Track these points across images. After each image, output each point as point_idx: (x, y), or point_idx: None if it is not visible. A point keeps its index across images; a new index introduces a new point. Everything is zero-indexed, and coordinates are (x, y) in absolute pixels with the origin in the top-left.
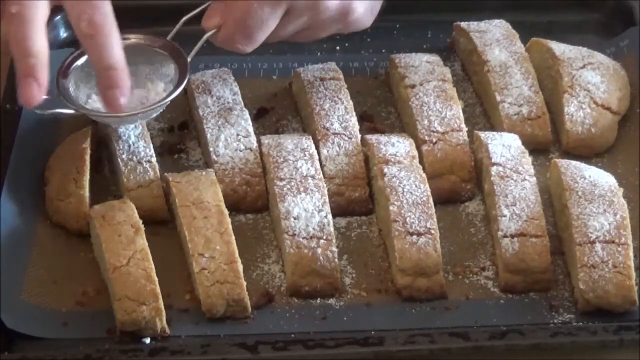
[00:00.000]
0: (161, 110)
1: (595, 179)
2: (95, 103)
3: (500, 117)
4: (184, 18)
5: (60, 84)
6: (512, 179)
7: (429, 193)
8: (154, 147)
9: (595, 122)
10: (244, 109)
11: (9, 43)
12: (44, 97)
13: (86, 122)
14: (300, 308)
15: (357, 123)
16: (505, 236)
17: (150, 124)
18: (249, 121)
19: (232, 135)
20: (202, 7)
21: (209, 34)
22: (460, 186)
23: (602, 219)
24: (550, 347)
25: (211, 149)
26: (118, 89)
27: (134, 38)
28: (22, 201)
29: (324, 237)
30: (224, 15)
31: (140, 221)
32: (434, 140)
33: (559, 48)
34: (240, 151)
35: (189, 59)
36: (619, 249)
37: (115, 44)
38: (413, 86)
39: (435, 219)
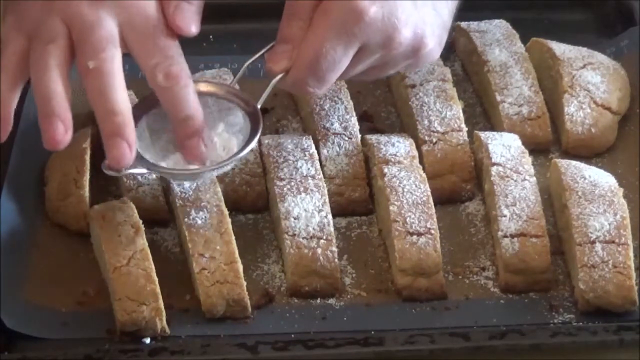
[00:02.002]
0: (235, 164)
1: (595, 179)
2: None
3: (500, 117)
4: (247, 62)
5: None
6: (512, 179)
7: (429, 193)
8: None
9: (595, 122)
10: None
11: (89, 100)
12: (134, 156)
13: (86, 122)
14: (300, 308)
15: (357, 123)
16: (505, 236)
17: None
18: None
19: None
20: (265, 49)
21: (277, 78)
22: (460, 186)
23: (602, 219)
24: (550, 347)
25: None
26: (198, 138)
27: (200, 85)
28: (22, 201)
29: (324, 237)
30: (293, 57)
31: (140, 221)
32: (434, 140)
33: (559, 48)
34: None
35: (258, 106)
36: (619, 249)
37: (192, 94)
38: (413, 86)
39: (435, 219)
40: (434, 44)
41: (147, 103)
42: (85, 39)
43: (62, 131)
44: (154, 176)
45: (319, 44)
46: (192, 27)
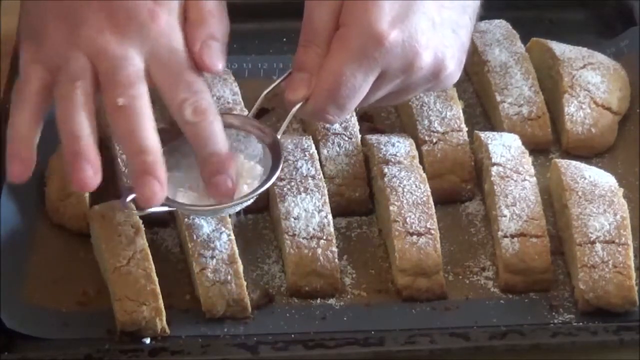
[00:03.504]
0: (256, 197)
1: (595, 179)
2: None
3: (500, 117)
4: (265, 92)
5: None
6: (512, 179)
7: (429, 193)
8: None
9: (595, 122)
10: (244, 109)
11: (118, 137)
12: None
13: None
14: (300, 308)
15: (357, 123)
16: (505, 236)
17: None
18: None
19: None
20: (282, 77)
21: (296, 107)
22: (460, 186)
23: (602, 219)
24: (550, 347)
25: None
26: (226, 175)
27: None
28: (22, 201)
29: (324, 238)
30: (311, 85)
31: (141, 221)
32: (434, 140)
33: (559, 48)
34: None
35: (279, 136)
36: (619, 249)
37: (219, 129)
38: None
39: (435, 219)
40: (454, 67)
41: (167, 136)
42: (113, 76)
43: (91, 174)
44: None
45: (338, 70)
46: (219, 65)
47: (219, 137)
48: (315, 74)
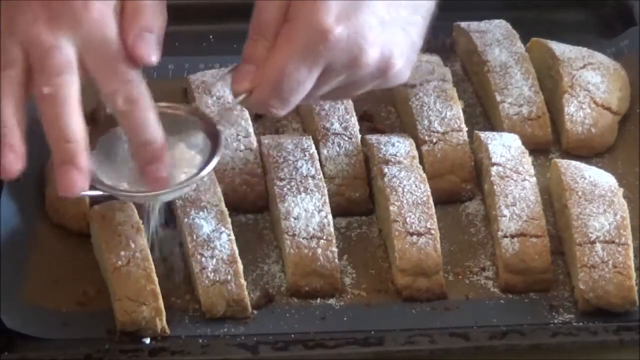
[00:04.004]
0: (194, 186)
1: (595, 179)
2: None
3: (500, 117)
4: (215, 83)
5: None
6: (512, 179)
7: (429, 193)
8: None
9: (595, 122)
10: (244, 109)
11: (43, 126)
12: (86, 183)
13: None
14: (300, 308)
15: (357, 123)
16: (505, 236)
17: None
18: (249, 121)
19: (232, 136)
20: (229, 69)
21: (240, 98)
22: (460, 186)
23: (602, 219)
24: (550, 347)
25: None
26: (160, 164)
27: (160, 107)
28: (22, 201)
29: (324, 237)
30: (256, 78)
31: (141, 221)
32: (434, 140)
33: (559, 48)
34: (240, 151)
35: (221, 129)
36: (619, 249)
37: (152, 118)
38: (413, 86)
39: (435, 219)
40: (403, 65)
41: (107, 125)
42: (41, 64)
43: (12, 160)
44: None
45: (282, 64)
46: (152, 57)
47: (151, 126)
48: (261, 66)
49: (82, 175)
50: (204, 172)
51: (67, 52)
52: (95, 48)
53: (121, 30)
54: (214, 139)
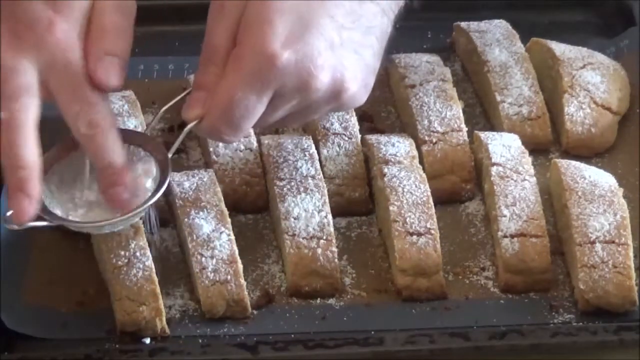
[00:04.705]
0: (142, 214)
1: (595, 179)
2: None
3: (500, 117)
4: (163, 109)
5: None
6: (512, 179)
7: (429, 193)
8: None
9: (595, 122)
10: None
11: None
12: (36, 212)
13: None
14: (300, 308)
15: (357, 123)
16: (505, 236)
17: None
18: None
19: None
20: (182, 95)
21: (191, 125)
22: (460, 186)
23: (602, 219)
24: (550, 347)
25: (211, 149)
26: (122, 187)
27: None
28: None
29: (324, 237)
30: (206, 105)
31: (141, 221)
32: (434, 140)
33: (559, 48)
34: (240, 151)
35: (170, 155)
36: (619, 249)
37: (115, 141)
38: (413, 86)
39: (435, 219)
40: (357, 88)
41: (62, 151)
42: (1, 88)
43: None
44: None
45: (231, 91)
46: (114, 81)
47: (114, 150)
48: (212, 93)
49: (32, 203)
50: (152, 200)
51: (27, 75)
52: (59, 71)
53: (84, 53)
54: (162, 167)
